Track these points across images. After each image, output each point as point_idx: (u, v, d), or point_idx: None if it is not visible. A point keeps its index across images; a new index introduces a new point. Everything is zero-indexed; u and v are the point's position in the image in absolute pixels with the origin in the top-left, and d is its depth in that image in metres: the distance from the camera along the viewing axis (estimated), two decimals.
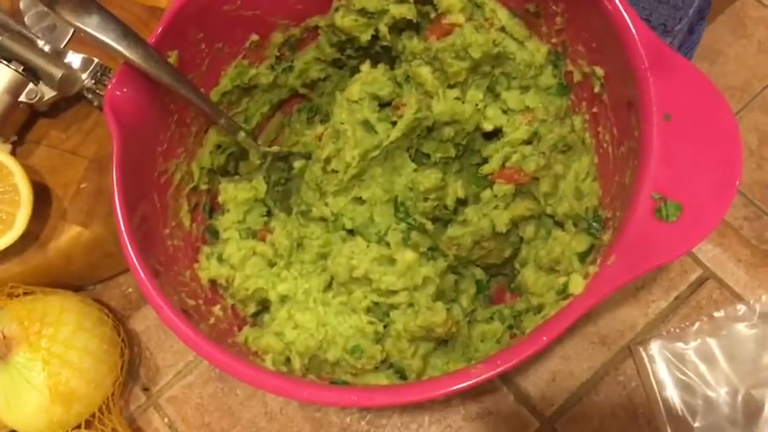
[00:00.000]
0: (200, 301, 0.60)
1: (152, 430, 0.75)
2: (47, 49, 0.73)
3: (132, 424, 0.75)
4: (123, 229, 0.53)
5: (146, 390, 0.76)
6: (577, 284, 0.49)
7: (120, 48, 0.53)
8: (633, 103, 0.51)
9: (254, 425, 0.72)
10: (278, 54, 0.69)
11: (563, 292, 0.53)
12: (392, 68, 0.68)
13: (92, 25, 0.52)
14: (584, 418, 0.67)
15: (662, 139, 0.48)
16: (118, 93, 0.56)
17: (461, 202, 0.66)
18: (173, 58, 0.59)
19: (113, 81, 0.56)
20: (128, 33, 0.54)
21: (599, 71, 0.56)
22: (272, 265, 0.63)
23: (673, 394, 0.66)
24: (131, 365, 0.77)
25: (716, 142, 0.48)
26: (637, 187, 0.49)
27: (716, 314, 0.68)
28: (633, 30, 0.50)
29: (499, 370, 0.46)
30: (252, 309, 0.63)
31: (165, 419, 0.75)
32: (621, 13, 0.50)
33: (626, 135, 0.54)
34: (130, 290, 0.79)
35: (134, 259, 0.53)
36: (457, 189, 0.65)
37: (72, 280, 0.77)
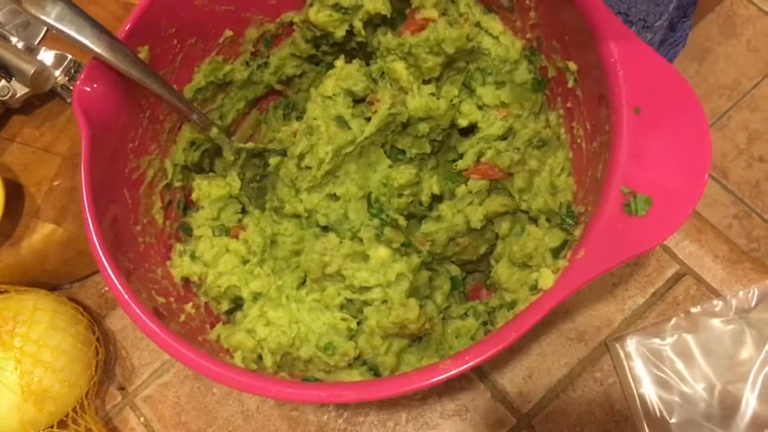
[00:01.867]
0: (172, 299, 0.59)
1: (128, 430, 0.74)
2: (20, 45, 0.72)
3: (108, 423, 0.74)
4: (92, 225, 0.53)
5: (121, 389, 0.75)
6: (547, 279, 0.48)
7: (86, 41, 0.52)
8: (604, 97, 0.51)
9: (231, 423, 0.72)
10: (253, 50, 0.69)
11: (535, 288, 0.53)
12: (368, 64, 0.68)
13: (56, 18, 0.51)
14: (562, 414, 0.67)
15: (631, 132, 0.48)
16: (87, 89, 0.55)
17: (437, 199, 0.66)
18: (144, 53, 0.59)
19: (82, 76, 0.55)
20: (95, 27, 0.53)
21: (572, 66, 0.56)
22: (245, 262, 0.63)
23: (649, 390, 0.66)
24: (107, 365, 0.76)
25: (685, 135, 0.48)
26: (607, 182, 0.48)
27: (693, 310, 0.68)
28: (603, 23, 0.50)
29: (468, 366, 0.46)
30: (225, 306, 0.63)
31: (142, 419, 0.74)
32: (592, 6, 0.50)
33: (598, 129, 0.54)
34: (106, 289, 0.79)
35: (103, 258, 0.52)
36: (432, 185, 0.65)
37: (47, 279, 0.76)
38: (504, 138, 0.64)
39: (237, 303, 0.63)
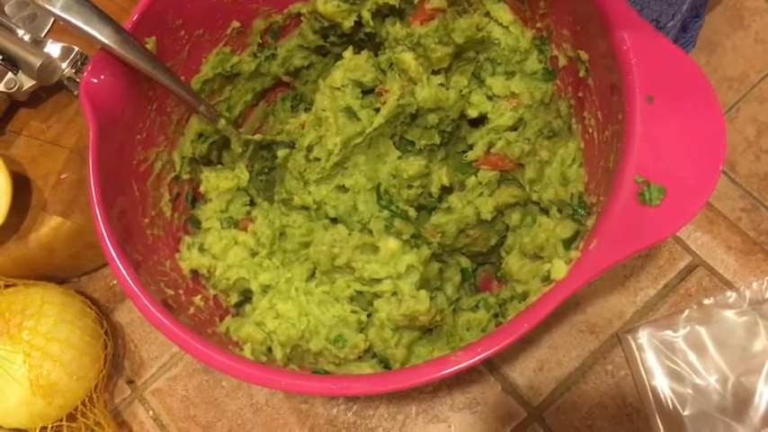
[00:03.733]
0: (181, 291, 0.59)
1: (137, 423, 0.74)
2: (26, 38, 0.72)
3: (117, 417, 0.74)
4: (100, 217, 0.52)
5: (130, 382, 0.75)
6: (560, 270, 0.48)
7: (93, 32, 0.52)
8: (616, 86, 0.50)
9: (240, 417, 0.72)
10: (260, 41, 0.68)
11: (547, 279, 0.52)
12: (376, 55, 0.67)
13: (63, 8, 0.51)
14: (573, 407, 0.67)
15: (645, 121, 0.47)
16: (94, 80, 0.55)
17: (446, 190, 0.66)
18: (151, 44, 0.58)
19: (89, 68, 0.55)
20: (102, 17, 0.53)
21: (583, 55, 0.56)
22: (253, 254, 0.62)
23: (662, 383, 0.65)
24: (116, 358, 0.76)
25: (699, 124, 0.47)
26: (620, 171, 0.48)
27: (705, 302, 0.67)
28: (615, 11, 0.49)
29: (480, 357, 0.45)
30: (234, 299, 0.63)
31: (150, 412, 0.74)
32: None
33: (610, 119, 0.53)
34: (114, 282, 0.78)
35: (111, 250, 0.52)
36: (442, 176, 0.64)
37: (55, 272, 0.76)
38: (514, 128, 0.63)
39: (246, 296, 0.63)
